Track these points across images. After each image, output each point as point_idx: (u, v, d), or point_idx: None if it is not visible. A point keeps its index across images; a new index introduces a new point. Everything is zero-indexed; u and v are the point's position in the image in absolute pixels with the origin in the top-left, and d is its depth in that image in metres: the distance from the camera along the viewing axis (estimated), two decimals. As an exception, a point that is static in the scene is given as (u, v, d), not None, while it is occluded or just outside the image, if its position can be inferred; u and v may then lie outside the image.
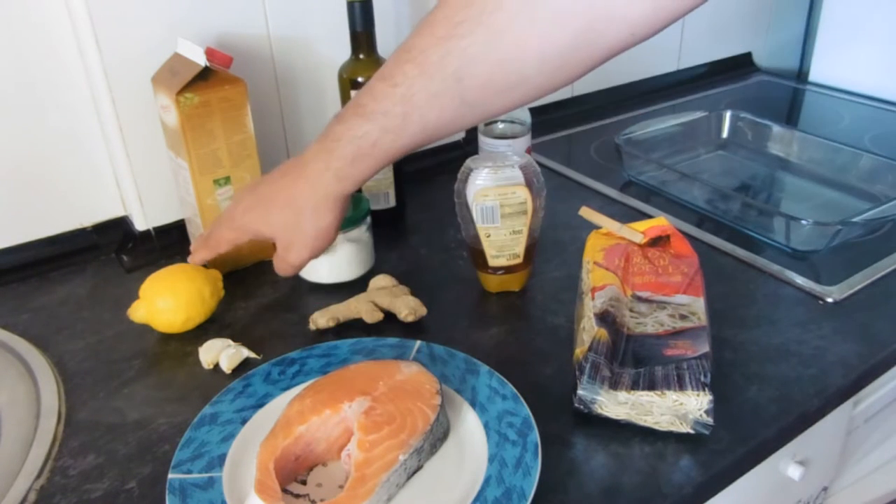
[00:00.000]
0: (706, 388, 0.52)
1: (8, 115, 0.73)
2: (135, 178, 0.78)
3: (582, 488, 0.51)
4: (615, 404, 0.54)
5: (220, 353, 0.63)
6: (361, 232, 0.74)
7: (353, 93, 0.79)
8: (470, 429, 0.55)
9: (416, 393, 0.53)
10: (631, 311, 0.59)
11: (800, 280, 0.74)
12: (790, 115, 1.26)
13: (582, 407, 0.55)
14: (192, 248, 0.69)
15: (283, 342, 0.66)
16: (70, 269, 0.79)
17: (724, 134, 1.08)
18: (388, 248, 0.81)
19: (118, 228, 0.82)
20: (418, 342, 0.63)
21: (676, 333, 0.57)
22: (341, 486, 0.50)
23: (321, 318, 0.67)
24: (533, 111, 0.89)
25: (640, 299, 0.61)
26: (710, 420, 0.52)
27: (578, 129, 1.15)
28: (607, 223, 0.68)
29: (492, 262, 0.71)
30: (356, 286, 0.73)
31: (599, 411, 0.55)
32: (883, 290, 0.72)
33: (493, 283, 0.73)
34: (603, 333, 0.55)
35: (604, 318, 0.57)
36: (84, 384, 0.62)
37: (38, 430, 0.57)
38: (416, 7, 0.91)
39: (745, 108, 1.10)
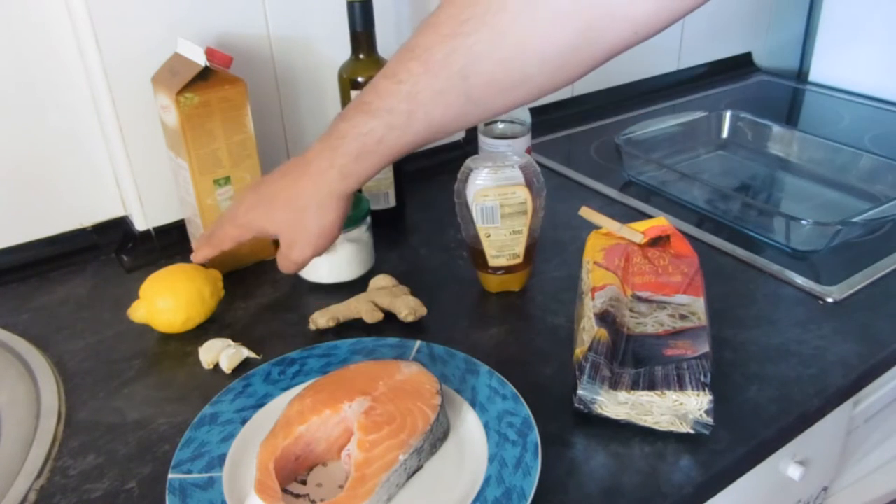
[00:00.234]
0: (706, 388, 0.52)
1: (8, 115, 0.73)
2: (135, 178, 0.78)
3: (582, 488, 0.51)
4: (615, 404, 0.54)
5: (220, 353, 0.63)
6: (361, 232, 0.74)
7: (353, 93, 0.79)
8: (470, 429, 0.55)
9: (416, 393, 0.53)
10: (631, 311, 0.59)
11: (800, 280, 0.74)
12: (790, 115, 1.26)
13: (582, 407, 0.55)
14: (194, 246, 0.69)
15: (283, 342, 0.66)
16: (70, 269, 0.79)
17: (724, 134, 1.08)
18: (388, 248, 0.81)
19: (118, 228, 0.82)
20: (418, 342, 0.63)
21: (676, 333, 0.57)
22: (341, 486, 0.50)
23: (321, 318, 0.67)
24: (533, 111, 0.89)
25: (640, 299, 0.61)
26: (710, 420, 0.52)
27: (578, 129, 1.15)
28: (607, 223, 0.68)
29: (492, 262, 0.71)
30: (356, 286, 0.73)
31: (599, 411, 0.55)
32: (883, 290, 0.72)
33: (493, 283, 0.73)
34: (603, 333, 0.55)
35: (604, 318, 0.57)
36: (84, 384, 0.62)
37: (38, 430, 0.57)
38: (416, 7, 0.91)
39: (745, 108, 1.10)
